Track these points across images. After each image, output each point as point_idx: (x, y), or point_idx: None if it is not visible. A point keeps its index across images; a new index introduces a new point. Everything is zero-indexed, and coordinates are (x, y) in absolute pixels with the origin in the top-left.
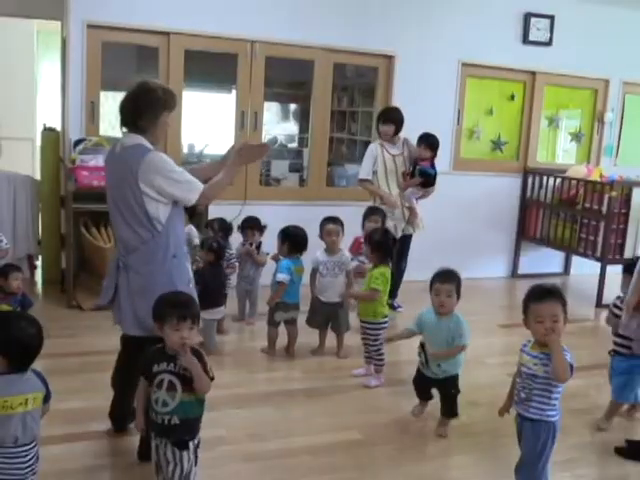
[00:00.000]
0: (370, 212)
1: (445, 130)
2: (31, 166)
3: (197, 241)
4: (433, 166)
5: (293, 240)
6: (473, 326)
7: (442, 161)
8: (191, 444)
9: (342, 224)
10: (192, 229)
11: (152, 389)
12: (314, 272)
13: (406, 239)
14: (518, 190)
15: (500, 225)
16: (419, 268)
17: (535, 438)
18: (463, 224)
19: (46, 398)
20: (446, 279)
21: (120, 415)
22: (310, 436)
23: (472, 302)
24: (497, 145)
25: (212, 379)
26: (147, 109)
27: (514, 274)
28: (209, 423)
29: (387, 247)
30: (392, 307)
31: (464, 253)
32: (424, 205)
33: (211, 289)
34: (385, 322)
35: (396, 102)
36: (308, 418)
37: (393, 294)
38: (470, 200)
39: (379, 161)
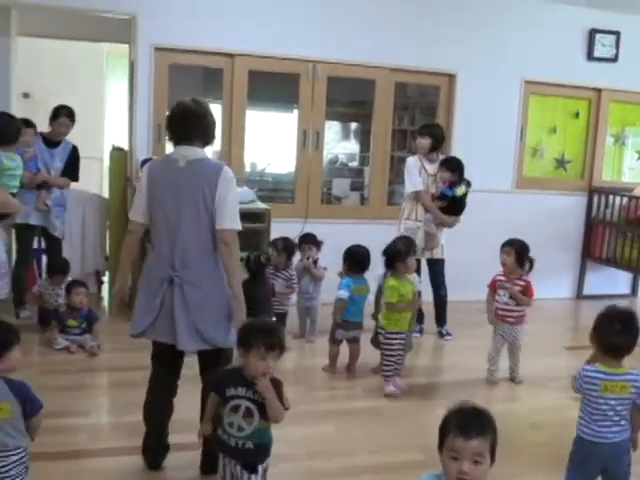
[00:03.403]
0: (507, 243)
1: (508, 148)
2: (99, 185)
3: None
4: (452, 188)
5: (351, 259)
6: (537, 347)
7: (504, 180)
8: (260, 467)
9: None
10: None
11: (224, 410)
12: (380, 290)
13: (435, 264)
14: (583, 209)
15: (565, 245)
16: (484, 288)
17: None
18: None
19: (27, 411)
20: (474, 432)
21: (158, 448)
22: (371, 455)
23: (536, 323)
24: (561, 164)
25: (287, 409)
26: (212, 125)
27: (579, 295)
28: None
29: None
30: (440, 335)
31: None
32: (481, 223)
33: (254, 300)
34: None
35: (458, 120)
36: (369, 437)
37: (440, 321)
38: (533, 219)
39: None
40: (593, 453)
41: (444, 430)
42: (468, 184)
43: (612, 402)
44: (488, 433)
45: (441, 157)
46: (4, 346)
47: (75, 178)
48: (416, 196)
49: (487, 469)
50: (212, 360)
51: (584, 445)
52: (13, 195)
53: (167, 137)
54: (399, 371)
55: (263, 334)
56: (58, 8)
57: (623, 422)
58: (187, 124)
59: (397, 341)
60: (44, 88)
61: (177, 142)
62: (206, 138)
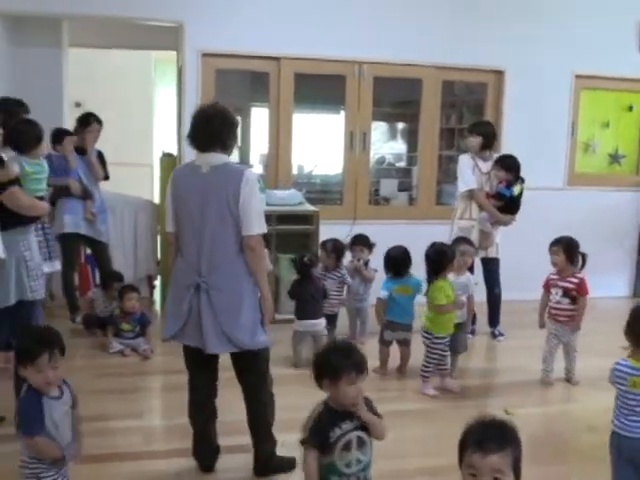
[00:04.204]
0: (554, 242)
1: (559, 144)
2: (150, 191)
3: None
4: (509, 187)
5: (385, 262)
6: (592, 347)
7: (555, 177)
8: None
9: (474, 245)
10: None
11: (334, 456)
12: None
13: (489, 263)
14: (639, 205)
15: (620, 242)
16: (537, 287)
17: None
18: (579, 241)
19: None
20: (492, 446)
21: (207, 449)
22: (425, 457)
23: (591, 322)
24: (615, 159)
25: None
26: (235, 129)
27: (636, 293)
28: None
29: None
30: (493, 335)
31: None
32: (533, 221)
33: (302, 300)
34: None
35: (507, 117)
36: (422, 439)
37: (493, 322)
38: (586, 216)
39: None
40: (624, 446)
41: (463, 445)
42: (522, 181)
43: None
44: (509, 447)
45: (495, 155)
46: (26, 356)
47: (106, 177)
48: (469, 195)
49: None
50: (246, 362)
51: (617, 439)
52: (41, 198)
53: (190, 144)
54: (451, 372)
55: (349, 357)
56: (108, 18)
57: None
58: (207, 131)
59: (441, 344)
60: (95, 97)
61: (200, 149)
62: (227, 143)
